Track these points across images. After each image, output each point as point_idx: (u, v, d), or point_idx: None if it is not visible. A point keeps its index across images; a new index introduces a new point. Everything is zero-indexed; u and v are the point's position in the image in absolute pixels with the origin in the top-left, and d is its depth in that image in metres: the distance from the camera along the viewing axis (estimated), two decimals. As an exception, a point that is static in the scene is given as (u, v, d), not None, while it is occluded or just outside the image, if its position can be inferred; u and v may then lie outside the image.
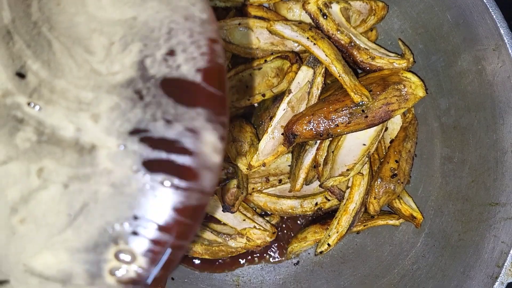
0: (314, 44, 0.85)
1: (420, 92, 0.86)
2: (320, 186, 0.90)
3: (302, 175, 0.93)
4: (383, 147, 0.95)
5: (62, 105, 0.40)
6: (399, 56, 0.90)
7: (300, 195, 0.98)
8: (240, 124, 0.95)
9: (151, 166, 0.39)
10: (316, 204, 0.97)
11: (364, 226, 0.96)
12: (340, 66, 0.84)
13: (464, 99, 0.88)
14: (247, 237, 0.94)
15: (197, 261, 1.03)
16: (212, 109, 0.40)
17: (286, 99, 0.89)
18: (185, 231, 0.40)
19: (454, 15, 0.84)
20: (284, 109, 0.89)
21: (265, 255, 1.03)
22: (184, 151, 0.39)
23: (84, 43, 0.42)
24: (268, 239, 0.96)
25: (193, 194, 0.39)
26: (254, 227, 0.95)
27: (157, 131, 0.39)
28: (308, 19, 0.91)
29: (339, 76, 0.84)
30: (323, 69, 0.88)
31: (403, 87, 0.85)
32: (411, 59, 0.89)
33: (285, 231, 1.04)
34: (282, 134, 0.89)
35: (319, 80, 0.88)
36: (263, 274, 1.05)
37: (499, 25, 0.76)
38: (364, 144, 0.89)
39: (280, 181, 0.99)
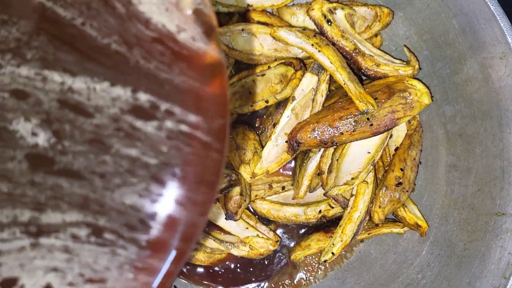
0: (319, 51, 0.84)
1: (426, 100, 0.85)
2: (324, 195, 0.89)
3: (305, 182, 0.92)
4: (387, 155, 0.94)
5: None
6: (405, 63, 0.89)
7: (303, 203, 0.97)
8: (243, 131, 0.94)
9: None
10: (320, 211, 0.96)
11: (369, 234, 0.96)
12: (345, 74, 0.83)
13: (470, 107, 0.87)
14: (250, 245, 0.94)
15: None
16: None
17: (290, 106, 0.88)
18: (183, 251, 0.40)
19: (460, 22, 0.83)
20: (288, 116, 0.88)
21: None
22: None
23: None
24: (271, 247, 0.95)
25: None
26: (257, 235, 0.94)
27: None
28: (312, 25, 0.90)
29: (344, 84, 0.83)
30: (328, 76, 0.87)
31: (408, 95, 0.84)
32: (417, 66, 0.88)
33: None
34: (286, 141, 0.88)
35: (324, 87, 0.88)
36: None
37: (506, 33, 0.75)
38: (369, 152, 0.88)
39: (283, 188, 0.98)
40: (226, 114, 0.40)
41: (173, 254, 0.39)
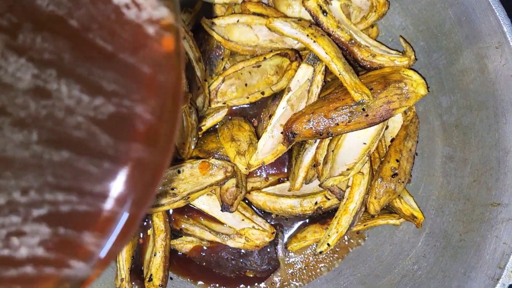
0: (314, 41, 0.84)
1: (422, 90, 0.85)
2: (320, 185, 0.89)
3: (301, 174, 0.92)
4: (383, 146, 0.94)
5: None
6: (400, 54, 0.89)
7: (299, 194, 0.97)
8: (239, 122, 0.94)
9: None
10: (316, 203, 0.96)
11: (364, 225, 0.96)
12: (341, 64, 0.83)
13: (466, 98, 0.87)
14: (245, 237, 0.93)
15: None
16: None
17: (285, 97, 0.88)
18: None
19: (456, 12, 0.82)
20: (283, 108, 0.88)
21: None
22: None
23: None
24: (267, 239, 0.95)
25: None
26: (253, 227, 0.94)
27: None
28: (308, 16, 0.90)
29: (340, 74, 0.83)
30: (323, 67, 0.87)
31: (404, 85, 0.83)
32: (413, 56, 0.88)
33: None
34: (282, 132, 0.88)
35: (319, 78, 0.87)
36: (262, 273, 1.04)
37: (502, 23, 0.75)
38: (365, 143, 0.88)
39: (279, 179, 0.98)
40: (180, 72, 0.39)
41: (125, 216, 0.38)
